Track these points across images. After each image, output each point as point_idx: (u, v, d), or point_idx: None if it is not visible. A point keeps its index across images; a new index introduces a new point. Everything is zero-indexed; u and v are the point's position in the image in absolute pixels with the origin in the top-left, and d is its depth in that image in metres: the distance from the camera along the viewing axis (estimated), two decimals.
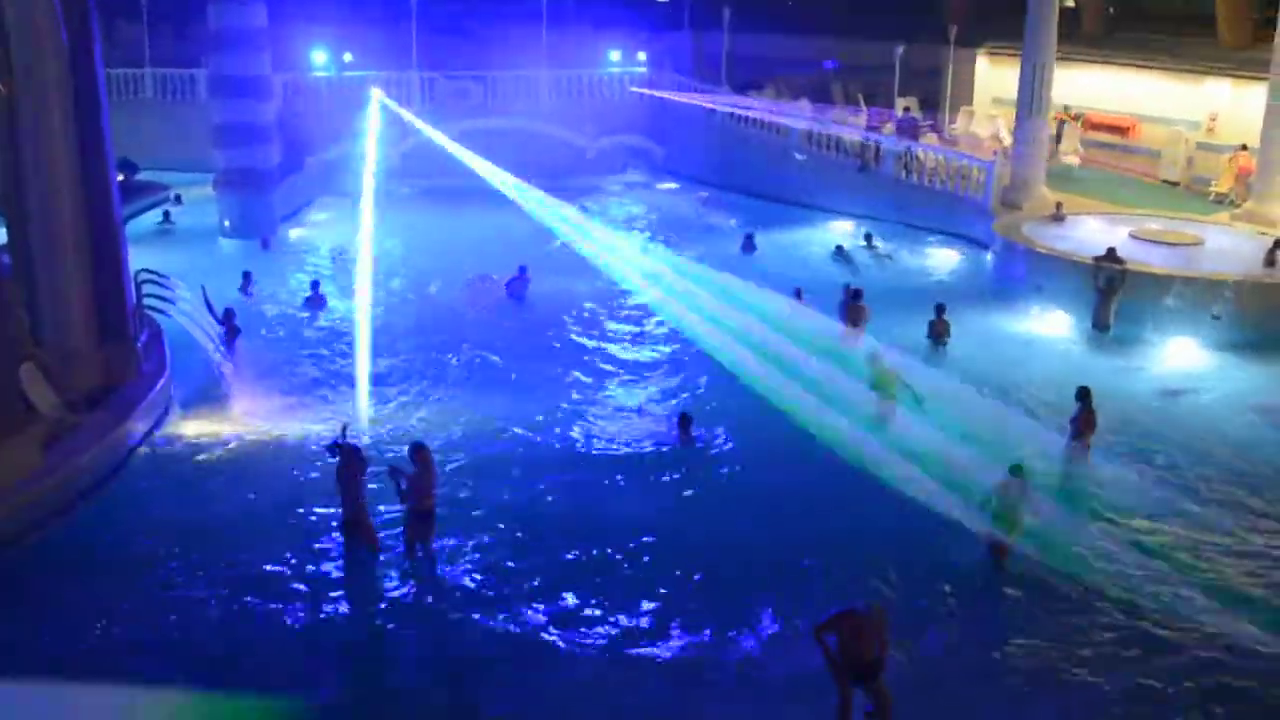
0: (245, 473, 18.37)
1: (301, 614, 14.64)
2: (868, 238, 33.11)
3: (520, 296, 28.36)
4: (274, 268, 30.83)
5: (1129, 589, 15.13)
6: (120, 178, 22.50)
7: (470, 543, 16.22)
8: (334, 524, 16.22)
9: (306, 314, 27.07)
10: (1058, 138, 36.45)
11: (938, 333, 24.54)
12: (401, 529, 15.80)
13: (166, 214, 35.44)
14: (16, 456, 16.22)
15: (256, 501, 17.42)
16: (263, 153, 34.43)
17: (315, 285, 27.97)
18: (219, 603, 14.75)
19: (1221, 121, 35.01)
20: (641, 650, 13.95)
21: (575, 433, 20.26)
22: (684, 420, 19.52)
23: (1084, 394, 19.07)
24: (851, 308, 24.79)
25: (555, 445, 19.74)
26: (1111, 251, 26.04)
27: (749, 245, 32.87)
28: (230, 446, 19.34)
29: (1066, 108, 37.13)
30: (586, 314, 27.19)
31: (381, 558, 15.77)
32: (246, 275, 28.43)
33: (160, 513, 17.05)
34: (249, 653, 13.76)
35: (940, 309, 24.74)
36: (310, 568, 15.64)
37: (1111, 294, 25.06)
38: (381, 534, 15.99)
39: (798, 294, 26.33)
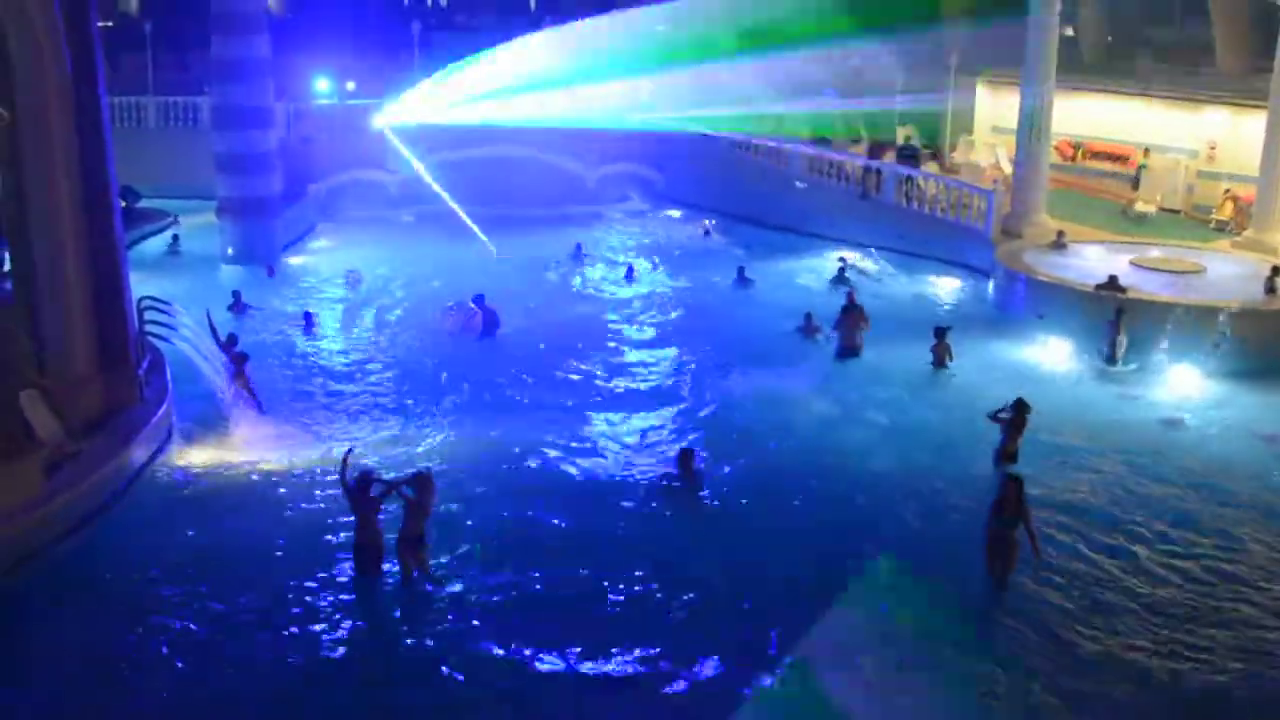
0: (247, 501, 18.31)
1: (304, 644, 14.55)
2: (842, 263, 33.31)
3: (481, 330, 27.30)
4: (280, 294, 30.96)
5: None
6: (123, 205, 22.57)
7: (467, 566, 16.22)
8: (339, 552, 16.24)
9: (305, 338, 27.31)
10: (1135, 183, 35.58)
11: (939, 356, 24.62)
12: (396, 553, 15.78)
13: (175, 238, 35.90)
14: (17, 482, 16.18)
15: (258, 530, 17.35)
16: (265, 181, 34.57)
17: (308, 317, 28.17)
18: (219, 634, 14.68)
19: (1221, 149, 35.10)
20: (631, 678, 13.88)
21: (575, 462, 20.16)
22: (685, 456, 19.04)
23: (1018, 404, 19.61)
24: (850, 314, 25.87)
25: (553, 474, 19.67)
26: (1113, 279, 26.10)
27: (742, 280, 32.43)
28: (232, 474, 19.30)
29: (1147, 150, 35.98)
30: (579, 344, 27.09)
31: (387, 586, 15.76)
32: (236, 294, 28.83)
33: (160, 541, 16.98)
34: (250, 686, 13.68)
35: (940, 333, 24.82)
36: (313, 596, 15.55)
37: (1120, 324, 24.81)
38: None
39: (808, 319, 27.54)
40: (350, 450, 16.48)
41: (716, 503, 18.64)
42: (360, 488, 15.74)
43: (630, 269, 34.08)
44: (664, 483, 18.98)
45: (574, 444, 20.89)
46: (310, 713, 13.29)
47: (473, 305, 27.60)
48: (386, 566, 15.85)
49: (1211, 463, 20.20)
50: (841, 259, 33.48)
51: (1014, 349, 26.24)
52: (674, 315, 30.02)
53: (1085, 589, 15.85)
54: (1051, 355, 25.80)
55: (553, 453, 20.39)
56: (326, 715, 13.29)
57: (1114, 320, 24.78)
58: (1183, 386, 23.86)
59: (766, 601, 15.41)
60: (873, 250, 35.34)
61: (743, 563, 16.50)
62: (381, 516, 15.99)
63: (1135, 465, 20.04)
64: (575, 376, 24.89)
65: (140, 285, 22.28)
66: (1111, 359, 24.74)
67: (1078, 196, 36.26)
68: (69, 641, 14.32)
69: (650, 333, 28.44)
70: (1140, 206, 34.51)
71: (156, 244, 35.99)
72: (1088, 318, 25.78)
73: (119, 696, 13.41)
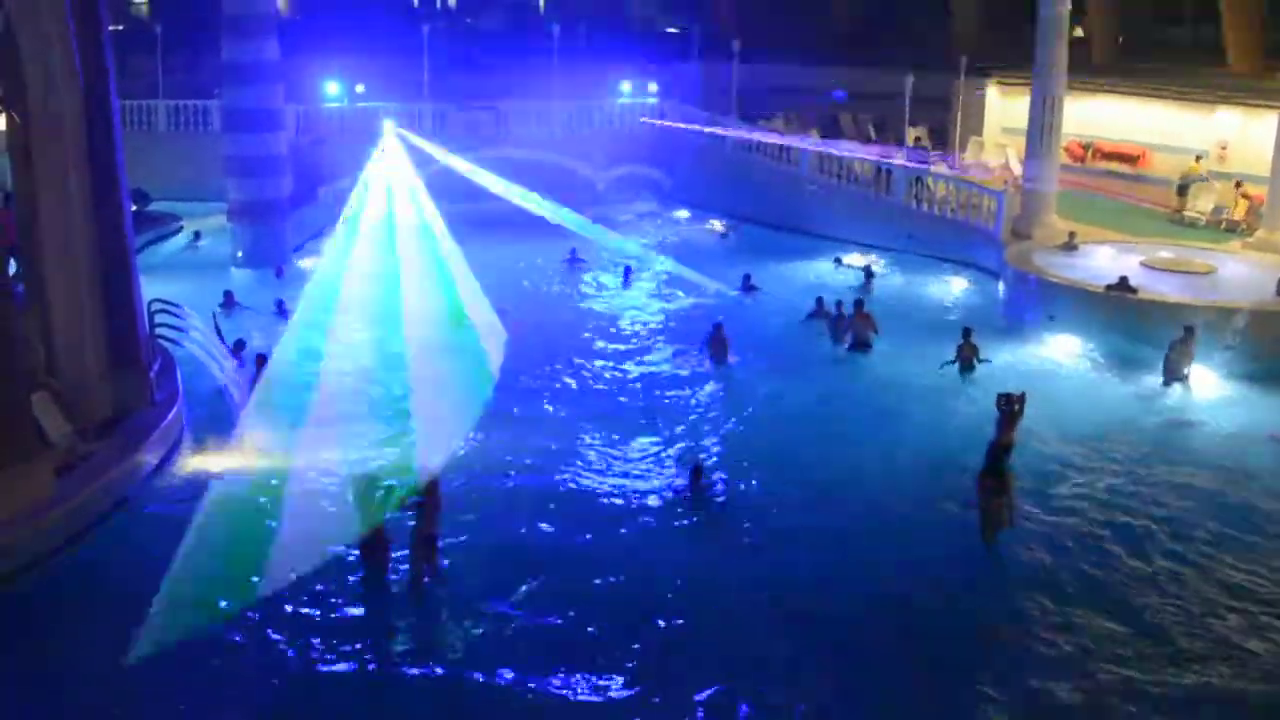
0: (257, 503, 18.32)
1: (313, 646, 14.58)
2: (837, 260, 33.78)
3: None
4: (288, 296, 30.93)
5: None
6: (133, 208, 22.64)
7: (475, 571, 16.29)
8: (349, 554, 16.30)
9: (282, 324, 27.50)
10: (1180, 190, 34.55)
11: (965, 357, 24.70)
12: (408, 555, 15.89)
13: (197, 234, 36.66)
14: (29, 485, 16.22)
15: (269, 532, 17.36)
16: (275, 184, 34.58)
17: (280, 304, 28.97)
18: (228, 636, 14.71)
19: (1231, 150, 34.99)
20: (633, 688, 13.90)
21: (584, 474, 20.06)
22: (696, 472, 18.93)
23: (1009, 397, 19.85)
24: (859, 317, 26.42)
25: (563, 485, 19.57)
26: (1123, 280, 26.03)
27: (747, 286, 31.64)
28: (242, 477, 19.32)
29: (1198, 157, 34.89)
30: (584, 350, 27.14)
31: (393, 589, 15.84)
32: (228, 294, 29.28)
33: (170, 543, 16.99)
34: (258, 687, 13.70)
35: (967, 333, 25.01)
36: (322, 598, 15.60)
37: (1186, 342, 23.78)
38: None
39: (819, 302, 28.37)
40: (358, 470, 16.48)
41: (722, 514, 18.60)
42: (366, 491, 15.86)
43: (628, 270, 34.04)
44: (672, 494, 18.90)
45: (584, 450, 20.90)
46: (317, 713, 13.30)
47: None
48: (394, 568, 15.92)
49: (1220, 463, 20.18)
50: (837, 258, 33.88)
51: (1024, 350, 26.18)
52: (682, 317, 29.99)
53: (1086, 582, 16.06)
54: (1062, 356, 25.73)
55: (565, 468, 20.28)
56: (333, 716, 13.30)
57: (1182, 338, 23.78)
58: (1195, 388, 23.75)
59: (779, 617, 15.44)
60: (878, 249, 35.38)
61: (752, 577, 16.46)
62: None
63: (1142, 464, 20.07)
64: (581, 382, 24.91)
65: (151, 288, 22.33)
66: (1172, 379, 23.69)
67: (1103, 201, 36.11)
68: (78, 643, 14.36)
69: (658, 335, 28.40)
70: (1192, 213, 33.82)
71: (172, 243, 36.55)
72: (1098, 319, 25.70)
73: (127, 698, 13.43)
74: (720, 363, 24.96)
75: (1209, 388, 23.79)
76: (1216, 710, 13.44)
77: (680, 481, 19.20)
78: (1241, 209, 32.83)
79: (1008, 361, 25.33)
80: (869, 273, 31.40)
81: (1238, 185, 33.34)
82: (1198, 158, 35.05)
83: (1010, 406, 19.87)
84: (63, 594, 15.40)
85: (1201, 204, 33.98)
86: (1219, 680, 13.89)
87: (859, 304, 26.94)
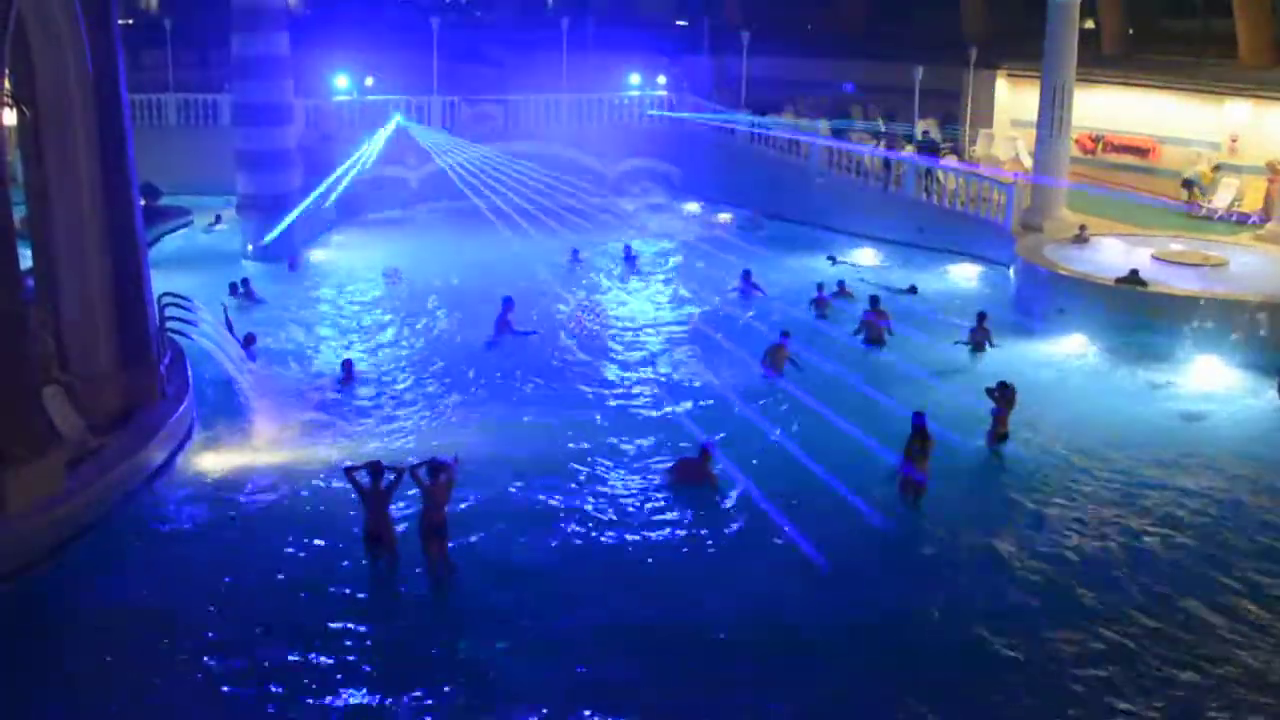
0: (267, 495, 18.41)
1: (321, 631, 14.63)
2: (831, 258, 33.99)
3: (500, 336, 26.58)
4: (301, 287, 31.14)
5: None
6: (143, 202, 22.69)
7: (486, 554, 16.46)
8: (357, 544, 16.32)
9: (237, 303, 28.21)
10: (1187, 183, 34.46)
11: (979, 340, 24.97)
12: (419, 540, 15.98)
13: (217, 217, 36.91)
14: (40, 479, 16.28)
15: (278, 524, 17.44)
16: (285, 178, 34.65)
17: (241, 284, 29.64)
18: (237, 627, 14.77)
19: (1242, 142, 34.86)
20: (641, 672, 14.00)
21: (594, 461, 20.10)
22: (704, 453, 18.99)
23: (1001, 387, 20.25)
24: (874, 314, 26.34)
25: (573, 469, 19.66)
26: (1134, 273, 25.97)
27: (747, 284, 30.76)
28: (252, 469, 19.39)
29: (1217, 166, 34.51)
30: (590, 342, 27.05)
31: (400, 571, 15.99)
32: (245, 282, 29.71)
33: (181, 536, 17.12)
34: (266, 676, 13.76)
35: (981, 317, 25.31)
36: (331, 589, 15.65)
37: None
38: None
39: (821, 288, 28.87)
40: (353, 466, 16.47)
41: (733, 496, 18.63)
42: (370, 480, 15.89)
43: (628, 249, 34.36)
44: (680, 479, 18.92)
45: (591, 441, 20.87)
46: (323, 701, 13.36)
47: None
48: (403, 557, 16.03)
49: (1226, 457, 20.14)
50: (831, 256, 34.15)
51: (1034, 343, 26.13)
52: (690, 310, 29.95)
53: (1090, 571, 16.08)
54: (1072, 349, 25.67)
55: (570, 449, 20.40)
56: (338, 705, 13.35)
57: None
58: (1207, 381, 23.68)
59: (780, 600, 15.52)
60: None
61: (760, 560, 16.59)
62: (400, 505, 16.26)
63: (1147, 458, 20.03)
64: (588, 374, 24.87)
65: (161, 281, 22.39)
66: None
67: (1113, 193, 35.95)
68: (89, 636, 14.44)
69: (666, 329, 28.39)
70: (1208, 203, 33.77)
71: (186, 234, 36.78)
72: (1108, 312, 25.65)
73: (136, 688, 13.50)
74: (778, 374, 24.04)
75: (1220, 380, 23.70)
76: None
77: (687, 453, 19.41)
78: (1257, 199, 32.63)
79: (1017, 353, 25.31)
80: (913, 289, 30.83)
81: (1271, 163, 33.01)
82: (1216, 167, 34.86)
83: (1000, 395, 20.21)
84: (74, 586, 15.46)
85: (1219, 199, 33.83)
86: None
87: (874, 300, 26.81)
